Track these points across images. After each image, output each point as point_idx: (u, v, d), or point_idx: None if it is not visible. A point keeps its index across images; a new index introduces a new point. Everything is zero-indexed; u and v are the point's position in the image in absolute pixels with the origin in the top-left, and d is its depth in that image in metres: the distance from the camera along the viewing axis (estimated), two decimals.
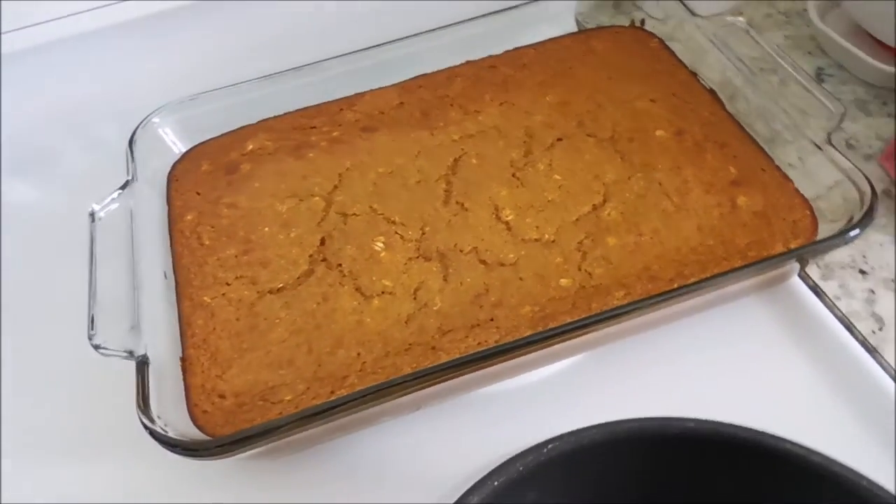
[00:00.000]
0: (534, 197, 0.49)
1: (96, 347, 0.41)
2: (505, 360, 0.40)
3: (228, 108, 0.56)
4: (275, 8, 0.59)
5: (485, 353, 0.39)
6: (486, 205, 0.49)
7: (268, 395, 0.41)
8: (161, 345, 0.43)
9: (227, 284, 0.47)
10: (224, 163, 0.54)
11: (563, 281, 0.44)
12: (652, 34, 0.60)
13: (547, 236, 0.46)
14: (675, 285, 0.42)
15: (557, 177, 0.50)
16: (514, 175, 0.50)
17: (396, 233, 0.48)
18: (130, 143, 0.52)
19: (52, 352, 0.48)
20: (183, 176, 0.54)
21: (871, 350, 0.44)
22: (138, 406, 0.38)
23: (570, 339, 0.40)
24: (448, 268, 0.46)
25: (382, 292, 0.45)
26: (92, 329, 0.41)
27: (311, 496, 0.42)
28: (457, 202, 0.49)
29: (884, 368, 0.43)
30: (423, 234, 0.48)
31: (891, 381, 0.43)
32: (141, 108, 0.54)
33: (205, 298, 0.46)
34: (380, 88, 0.58)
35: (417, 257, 0.47)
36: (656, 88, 0.55)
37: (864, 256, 0.49)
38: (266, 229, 0.49)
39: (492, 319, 0.43)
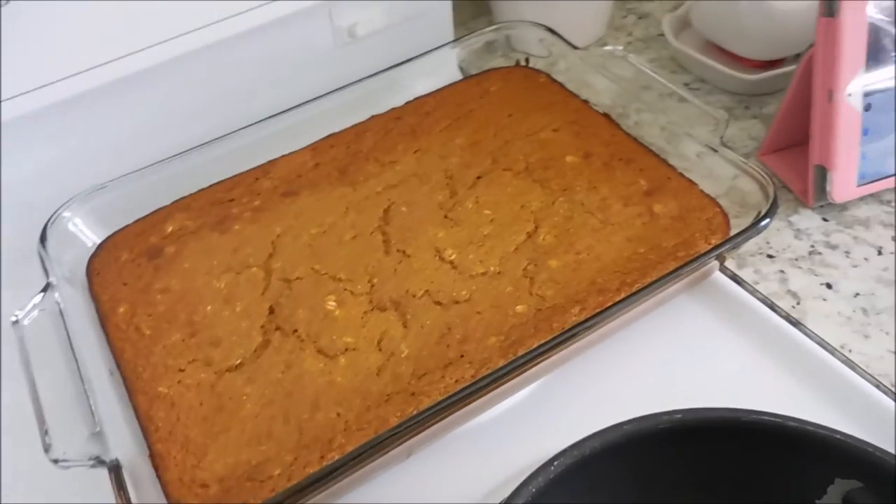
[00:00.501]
0: (470, 234, 0.50)
1: (56, 462, 0.38)
2: (488, 392, 0.41)
3: (138, 193, 0.54)
4: (170, 87, 0.58)
5: (470, 388, 0.40)
6: (427, 248, 0.50)
7: (255, 474, 0.40)
8: (126, 445, 0.41)
9: (181, 370, 0.45)
10: (145, 249, 0.52)
11: (519, 307, 0.46)
12: (538, 70, 0.64)
13: (492, 268, 0.48)
14: (624, 293, 0.45)
15: (487, 211, 0.52)
16: (446, 216, 0.52)
17: (345, 289, 0.48)
18: (42, 240, 0.49)
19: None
20: (103, 269, 0.51)
21: (796, 323, 0.49)
22: None
23: (543, 360, 0.42)
24: (405, 314, 0.46)
25: (346, 349, 0.45)
26: (47, 442, 0.38)
27: None
28: (398, 250, 0.50)
29: (809, 337, 0.48)
30: (373, 286, 0.48)
31: (817, 347, 0.47)
32: (41, 203, 0.52)
33: (160, 389, 0.44)
34: (292, 153, 0.58)
35: (372, 309, 0.47)
36: (555, 119, 0.58)
37: (767, 243, 0.55)
38: (208, 308, 0.48)
39: (462, 356, 0.44)
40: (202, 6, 0.54)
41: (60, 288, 0.48)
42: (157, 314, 0.48)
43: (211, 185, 0.56)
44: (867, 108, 0.53)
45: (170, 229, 0.53)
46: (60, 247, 0.51)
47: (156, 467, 0.41)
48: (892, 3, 0.52)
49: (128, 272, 0.51)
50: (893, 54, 0.53)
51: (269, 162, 0.57)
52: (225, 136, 0.57)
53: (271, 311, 0.47)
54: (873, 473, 0.36)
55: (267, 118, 0.58)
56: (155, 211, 0.55)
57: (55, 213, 0.51)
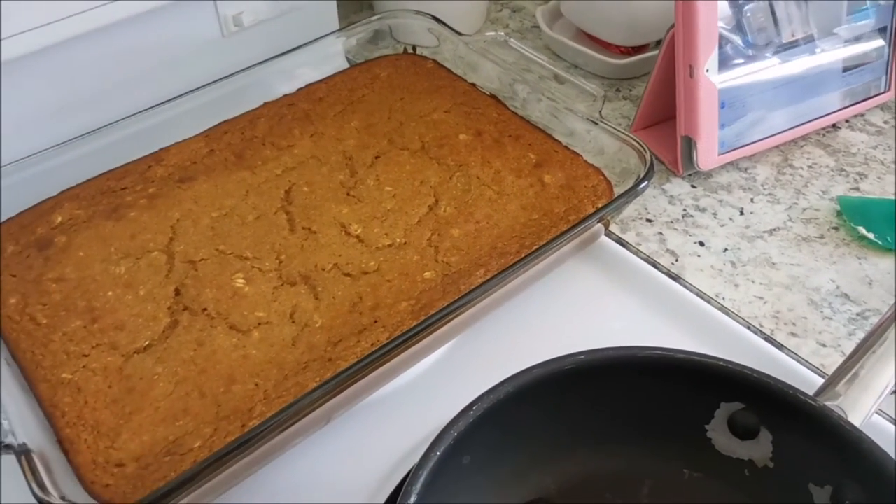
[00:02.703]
0: (374, 209, 0.52)
1: None
2: (402, 352, 0.42)
3: (21, 184, 0.52)
4: (55, 74, 0.56)
5: (386, 347, 0.41)
6: (332, 224, 0.51)
7: (174, 449, 0.39)
8: (34, 434, 0.39)
9: (85, 356, 0.44)
10: (33, 240, 0.50)
11: (427, 274, 0.48)
12: (426, 57, 0.66)
13: (398, 240, 0.50)
14: (524, 254, 0.48)
15: (388, 188, 0.53)
16: (348, 194, 0.53)
17: (253, 267, 0.48)
18: None
19: None
20: None
21: (675, 278, 0.54)
22: (39, 494, 0.35)
23: (452, 319, 0.44)
24: (316, 287, 0.47)
25: (259, 324, 0.45)
26: None
27: None
28: (303, 227, 0.51)
29: (688, 289, 0.53)
30: (280, 262, 0.48)
31: (695, 297, 0.52)
32: None
33: (64, 375, 0.43)
34: (184, 140, 0.57)
35: (282, 284, 0.47)
36: (445, 101, 0.61)
37: (646, 208, 0.59)
38: (109, 293, 0.47)
39: (375, 321, 0.45)
40: None
41: None
42: (53, 303, 0.46)
43: (100, 175, 0.55)
44: (722, 83, 0.59)
45: (59, 219, 0.51)
46: None
47: (66, 452, 0.39)
48: (731, 12, 0.58)
49: (15, 264, 0.48)
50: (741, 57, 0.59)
51: (162, 150, 0.56)
52: (113, 123, 0.55)
53: (177, 292, 0.47)
54: (752, 394, 0.40)
55: (156, 105, 0.57)
56: (41, 202, 0.53)
57: None
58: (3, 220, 0.51)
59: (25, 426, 0.39)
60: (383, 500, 0.41)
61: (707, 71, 0.57)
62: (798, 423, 0.39)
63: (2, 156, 0.53)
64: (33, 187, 0.53)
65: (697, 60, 0.56)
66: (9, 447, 0.37)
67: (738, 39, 0.59)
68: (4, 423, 0.38)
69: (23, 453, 0.36)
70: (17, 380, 0.42)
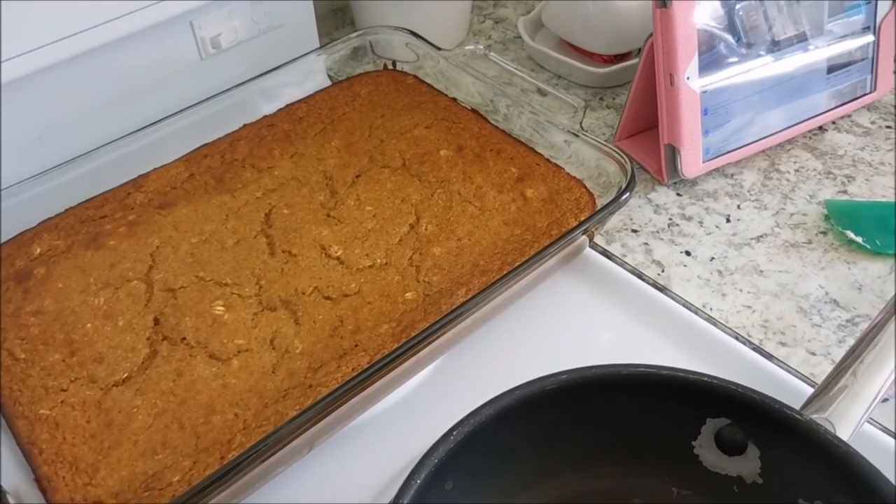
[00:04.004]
0: (354, 230, 0.51)
1: None
2: (384, 376, 0.42)
3: None
4: (28, 103, 0.55)
5: (366, 372, 0.41)
6: (312, 247, 0.50)
7: (152, 484, 0.39)
8: (11, 473, 0.39)
9: (63, 390, 0.43)
10: (12, 273, 0.50)
11: (408, 295, 0.47)
12: (406, 73, 0.66)
13: (379, 261, 0.49)
14: (506, 271, 0.47)
15: (369, 208, 0.53)
16: (328, 215, 0.52)
17: (233, 293, 0.48)
18: None
19: None
20: None
21: (662, 289, 0.53)
22: None
23: (434, 340, 0.44)
24: (296, 312, 0.47)
25: (239, 351, 0.45)
26: None
27: None
28: (283, 251, 0.50)
29: (675, 300, 0.52)
30: (261, 287, 0.48)
31: (682, 308, 0.52)
32: None
33: (42, 411, 0.42)
34: (163, 166, 0.57)
35: (262, 310, 0.47)
36: (426, 117, 0.61)
37: (631, 218, 0.59)
38: (88, 325, 0.46)
39: (356, 345, 0.45)
40: (56, 19, 0.52)
41: None
42: (31, 337, 0.46)
43: (79, 204, 0.54)
44: (704, 89, 0.58)
45: (38, 251, 0.51)
46: None
47: (43, 490, 0.39)
48: (722, 12, 0.58)
49: None
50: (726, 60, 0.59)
51: (141, 176, 0.56)
52: (91, 151, 0.55)
53: (156, 321, 0.46)
54: (738, 410, 0.40)
55: (135, 131, 0.57)
56: (19, 234, 0.52)
57: None
58: None
59: (2, 465, 0.39)
60: None
61: (688, 78, 0.57)
62: (785, 438, 0.38)
63: None
64: (11, 219, 0.52)
65: (677, 68, 0.56)
66: None
67: (730, 38, 0.59)
68: None
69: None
70: None
